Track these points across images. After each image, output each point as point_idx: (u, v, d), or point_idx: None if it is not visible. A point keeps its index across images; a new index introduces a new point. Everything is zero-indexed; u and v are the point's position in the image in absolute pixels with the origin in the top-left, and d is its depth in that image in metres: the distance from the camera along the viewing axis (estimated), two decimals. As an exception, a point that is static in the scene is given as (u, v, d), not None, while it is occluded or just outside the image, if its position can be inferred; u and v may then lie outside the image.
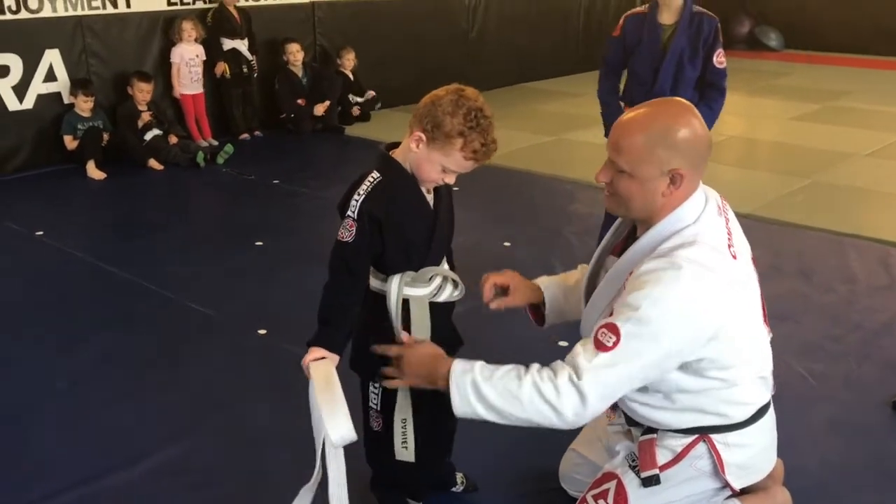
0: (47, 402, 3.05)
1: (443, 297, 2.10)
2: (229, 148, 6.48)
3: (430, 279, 2.05)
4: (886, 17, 11.89)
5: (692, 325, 1.80)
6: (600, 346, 1.80)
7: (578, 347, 1.86)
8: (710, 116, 3.90)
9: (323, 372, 1.94)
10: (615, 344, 1.78)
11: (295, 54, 7.28)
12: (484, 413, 1.86)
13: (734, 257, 1.90)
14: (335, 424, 1.85)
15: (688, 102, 1.97)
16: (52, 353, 3.41)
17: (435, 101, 1.90)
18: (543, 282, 2.30)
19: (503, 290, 2.24)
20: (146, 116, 6.27)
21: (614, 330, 1.79)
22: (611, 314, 1.88)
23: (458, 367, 1.89)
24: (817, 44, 12.44)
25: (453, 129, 1.87)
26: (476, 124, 1.88)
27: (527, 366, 1.87)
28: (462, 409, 1.87)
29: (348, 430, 1.85)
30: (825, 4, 12.34)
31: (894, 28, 11.86)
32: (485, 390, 1.84)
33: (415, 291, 2.04)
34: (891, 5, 11.86)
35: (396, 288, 2.01)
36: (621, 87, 4.03)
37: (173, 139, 6.44)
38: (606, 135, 3.87)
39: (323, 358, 1.97)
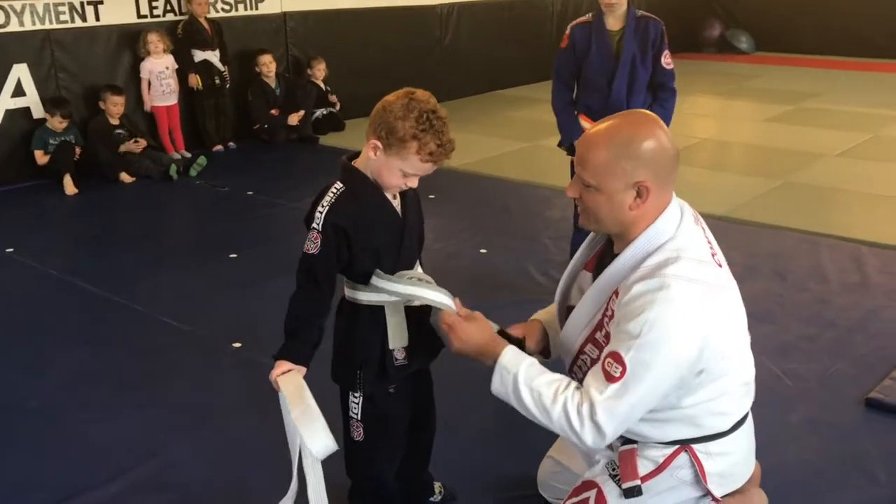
0: (20, 421, 3.00)
1: (418, 301, 2.09)
2: (202, 160, 6.45)
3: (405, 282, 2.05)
4: (854, 19, 12.06)
5: (692, 340, 1.80)
6: (609, 378, 1.82)
7: (590, 378, 1.88)
8: (665, 115, 3.94)
9: (293, 385, 1.94)
10: (622, 374, 1.80)
11: (268, 65, 7.26)
12: (515, 405, 1.93)
13: (719, 265, 1.91)
14: (314, 437, 1.86)
15: (652, 114, 1.97)
16: (24, 371, 3.35)
17: (386, 106, 1.90)
18: (542, 317, 2.28)
19: (519, 342, 2.17)
20: (131, 145, 6.23)
21: (619, 359, 1.81)
22: (593, 330, 1.90)
23: (507, 358, 1.95)
24: (788, 46, 12.59)
25: (406, 134, 1.87)
26: (429, 126, 1.88)
27: (569, 382, 1.90)
28: (497, 392, 1.96)
29: (328, 441, 1.87)
30: (795, 7, 12.50)
31: (862, 30, 12.04)
32: (523, 392, 1.90)
33: (389, 296, 2.03)
34: (858, 7, 12.02)
35: (385, 283, 1.99)
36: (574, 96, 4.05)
37: (141, 143, 6.33)
38: (560, 145, 3.92)
39: (290, 371, 1.97)
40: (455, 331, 1.99)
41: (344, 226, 1.94)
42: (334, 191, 1.97)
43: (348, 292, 2.07)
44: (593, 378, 1.86)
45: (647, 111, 2.05)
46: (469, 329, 2.00)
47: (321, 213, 1.95)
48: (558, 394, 1.87)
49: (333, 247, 1.94)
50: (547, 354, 2.29)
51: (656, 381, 1.80)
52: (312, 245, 1.95)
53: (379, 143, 1.91)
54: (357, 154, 2.04)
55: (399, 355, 2.08)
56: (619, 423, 1.83)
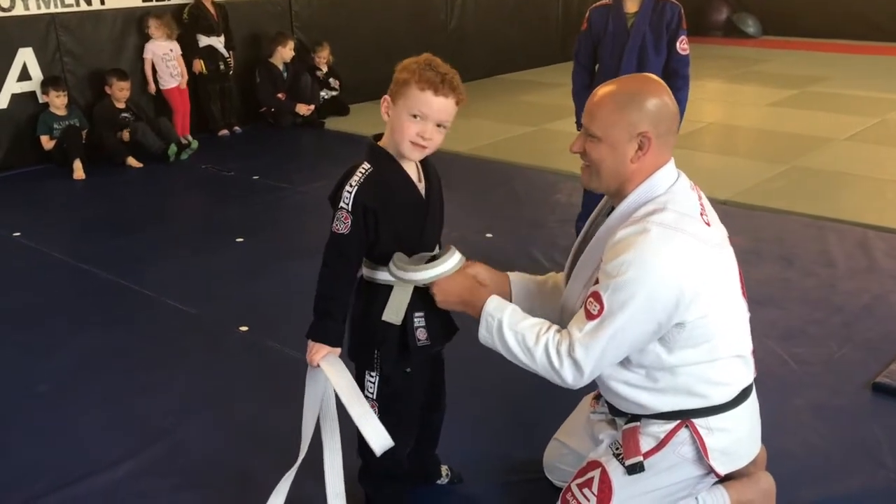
0: (28, 406, 3.01)
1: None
2: (194, 144, 6.54)
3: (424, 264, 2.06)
4: (861, 3, 11.98)
5: (666, 284, 1.85)
6: (589, 315, 1.91)
7: (574, 318, 1.97)
8: (678, 108, 3.93)
9: (344, 379, 2.02)
10: (600, 311, 1.88)
11: (290, 50, 7.24)
12: (501, 350, 2.01)
13: (707, 224, 1.95)
14: (375, 434, 1.99)
15: (658, 78, 2.07)
16: (33, 356, 3.37)
17: (396, 70, 1.98)
18: (514, 276, 2.33)
19: None
20: (125, 134, 6.23)
21: (598, 298, 1.89)
22: (596, 282, 1.93)
23: (492, 304, 2.02)
24: (794, 30, 12.51)
25: (406, 73, 1.94)
26: (428, 65, 1.94)
27: (550, 325, 1.98)
28: (484, 339, 2.04)
29: (387, 438, 2.00)
30: (801, -10, 12.42)
31: (867, 13, 11.97)
32: (507, 336, 1.98)
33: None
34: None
35: (398, 271, 2.00)
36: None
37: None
38: (580, 128, 3.93)
39: (328, 354, 2.02)
40: (437, 284, 2.03)
41: (373, 206, 1.95)
42: (363, 171, 1.98)
43: (366, 272, 2.08)
44: (576, 318, 1.96)
45: (654, 75, 2.11)
46: (450, 281, 2.03)
47: (350, 192, 1.95)
48: (540, 335, 1.95)
49: (362, 226, 1.96)
50: None
51: (631, 319, 1.86)
52: (342, 225, 1.96)
53: (388, 98, 1.97)
54: (381, 136, 2.06)
55: (421, 335, 2.09)
56: (596, 361, 1.90)
